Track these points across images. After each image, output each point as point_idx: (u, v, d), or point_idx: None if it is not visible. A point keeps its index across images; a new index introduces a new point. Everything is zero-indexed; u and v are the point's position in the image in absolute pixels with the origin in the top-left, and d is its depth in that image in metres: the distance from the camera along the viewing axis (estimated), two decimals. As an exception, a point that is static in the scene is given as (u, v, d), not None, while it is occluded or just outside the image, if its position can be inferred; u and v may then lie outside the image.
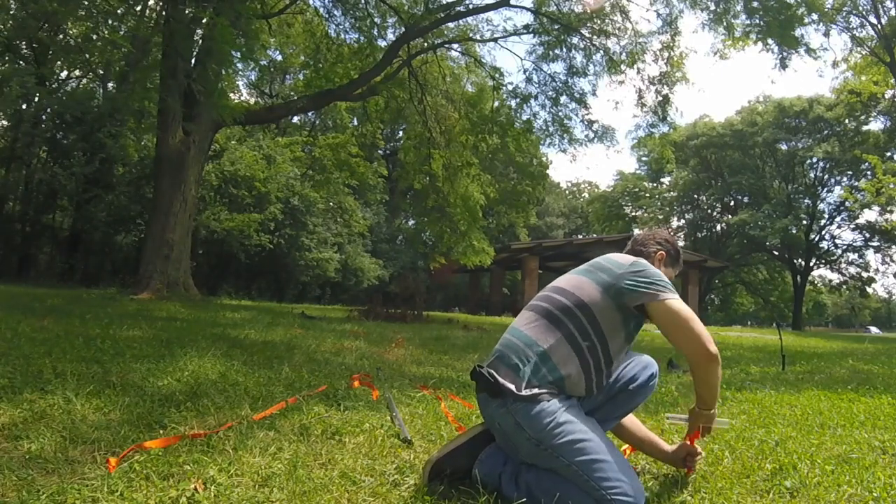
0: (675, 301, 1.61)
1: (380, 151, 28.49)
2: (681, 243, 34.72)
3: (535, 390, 1.55)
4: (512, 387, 1.56)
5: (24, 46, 15.90)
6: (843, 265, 34.34)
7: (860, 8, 19.56)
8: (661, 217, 38.55)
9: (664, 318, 1.61)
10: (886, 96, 24.71)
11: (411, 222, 29.61)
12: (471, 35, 13.82)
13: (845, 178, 31.53)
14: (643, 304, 1.63)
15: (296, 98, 15.28)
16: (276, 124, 24.50)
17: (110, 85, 17.75)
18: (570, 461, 1.49)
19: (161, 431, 1.97)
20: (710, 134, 33.99)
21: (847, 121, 29.69)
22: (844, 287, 36.03)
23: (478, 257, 15.26)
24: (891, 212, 25.38)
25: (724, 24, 12.36)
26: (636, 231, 37.09)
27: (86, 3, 8.80)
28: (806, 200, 32.16)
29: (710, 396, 1.70)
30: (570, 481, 1.49)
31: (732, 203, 36.40)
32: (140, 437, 1.86)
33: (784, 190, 32.67)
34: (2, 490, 1.41)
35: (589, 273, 1.72)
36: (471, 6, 13.15)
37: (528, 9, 13.18)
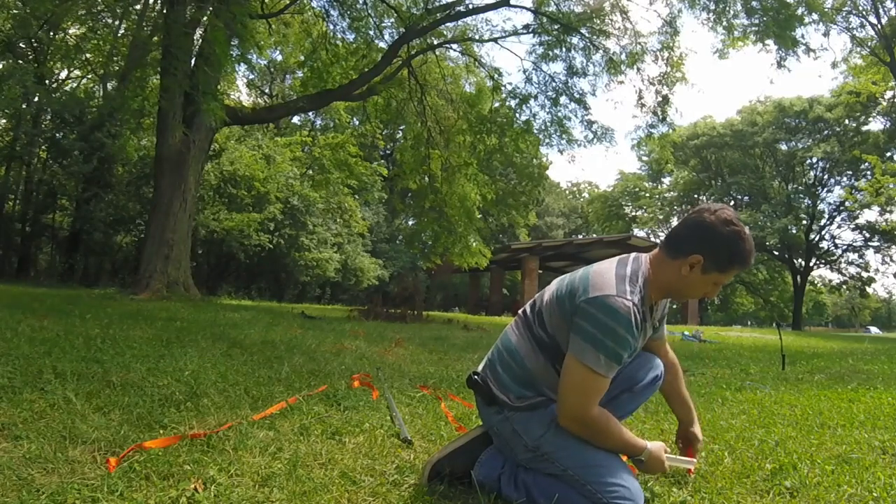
0: (593, 376, 1.42)
1: (380, 152, 28.50)
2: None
3: (529, 401, 1.56)
4: (505, 398, 1.57)
5: (23, 45, 15.88)
6: (843, 265, 34.42)
7: (860, 8, 19.56)
8: (661, 217, 38.57)
9: (571, 375, 1.44)
10: (886, 97, 24.72)
11: (411, 222, 29.67)
12: (470, 35, 13.81)
13: (845, 179, 31.60)
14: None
15: (295, 98, 15.28)
16: (276, 124, 24.49)
17: (110, 85, 17.74)
18: (567, 467, 1.49)
19: (161, 431, 1.97)
20: (710, 134, 34.02)
21: (847, 121, 29.72)
22: (844, 287, 36.07)
23: (474, 259, 15.28)
24: (890, 212, 25.45)
25: (724, 23, 12.36)
26: (636, 231, 37.18)
27: (83, 2, 8.79)
28: (806, 200, 32.19)
29: (611, 448, 1.54)
30: (568, 485, 1.50)
31: (732, 203, 36.38)
32: (140, 437, 1.86)
33: (784, 190, 32.70)
34: (2, 490, 1.41)
35: (559, 291, 1.57)
36: (470, 6, 13.15)
37: (527, 9, 13.19)
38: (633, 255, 1.61)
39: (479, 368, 1.70)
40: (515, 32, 13.39)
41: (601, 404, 1.70)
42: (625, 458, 1.59)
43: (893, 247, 31.63)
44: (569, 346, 1.46)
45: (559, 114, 13.79)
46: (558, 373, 1.52)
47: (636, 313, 1.43)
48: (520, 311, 1.73)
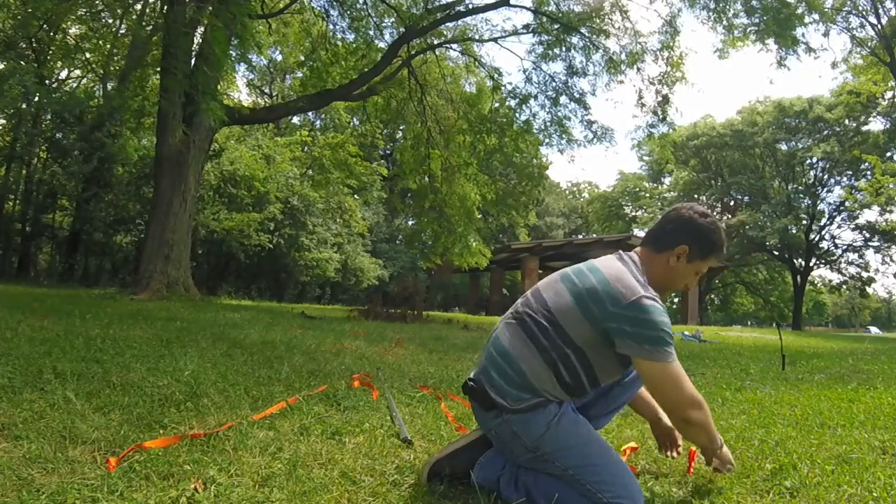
0: (671, 365, 1.48)
1: (380, 151, 28.51)
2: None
3: (527, 403, 1.55)
4: (503, 402, 1.56)
5: (23, 45, 15.87)
6: (843, 265, 34.42)
7: (860, 8, 19.54)
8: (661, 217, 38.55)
9: (656, 379, 1.51)
10: (886, 97, 24.72)
11: (411, 222, 29.70)
12: (470, 35, 13.80)
13: (845, 178, 31.59)
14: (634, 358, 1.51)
15: (295, 98, 15.29)
16: (276, 124, 24.49)
17: (110, 85, 17.75)
18: (567, 467, 1.49)
19: (161, 431, 1.97)
20: (710, 134, 34.01)
21: (847, 121, 29.72)
22: (844, 287, 36.08)
23: (474, 259, 15.27)
24: (890, 212, 25.47)
25: (724, 23, 12.37)
26: (636, 231, 37.19)
27: (83, 2, 8.77)
28: (806, 200, 32.18)
29: (700, 444, 1.67)
30: (568, 485, 1.50)
31: (732, 203, 36.42)
32: (140, 437, 1.86)
33: (784, 190, 32.69)
34: (2, 490, 1.41)
35: (578, 297, 1.55)
36: (470, 6, 13.14)
37: (527, 8, 13.17)
38: (622, 254, 1.68)
39: (473, 374, 1.68)
40: (515, 32, 13.38)
41: (595, 398, 1.73)
42: (625, 457, 1.59)
43: (893, 247, 31.64)
44: (634, 355, 1.49)
45: (559, 114, 13.77)
46: (553, 370, 1.53)
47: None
48: (508, 312, 1.71)
